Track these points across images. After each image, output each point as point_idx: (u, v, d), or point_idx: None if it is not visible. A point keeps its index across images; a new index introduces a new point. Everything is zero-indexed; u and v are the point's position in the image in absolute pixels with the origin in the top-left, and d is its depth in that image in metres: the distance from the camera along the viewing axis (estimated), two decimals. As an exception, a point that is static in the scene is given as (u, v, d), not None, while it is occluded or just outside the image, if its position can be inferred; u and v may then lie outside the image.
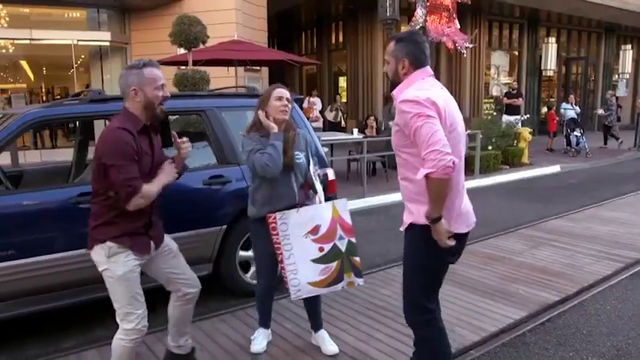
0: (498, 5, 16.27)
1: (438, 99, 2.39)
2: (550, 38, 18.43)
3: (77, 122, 5.24)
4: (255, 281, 4.27)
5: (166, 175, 2.69)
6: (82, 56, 13.45)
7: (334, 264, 3.02)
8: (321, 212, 3.03)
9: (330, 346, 3.26)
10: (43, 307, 3.44)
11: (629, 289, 4.45)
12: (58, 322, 3.87)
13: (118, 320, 2.59)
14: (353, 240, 3.07)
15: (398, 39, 2.57)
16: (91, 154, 4.95)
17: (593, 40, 21.28)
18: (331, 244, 3.01)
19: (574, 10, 17.53)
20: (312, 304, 3.29)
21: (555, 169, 11.79)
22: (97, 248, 2.56)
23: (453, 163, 2.21)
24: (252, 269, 4.32)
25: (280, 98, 3.07)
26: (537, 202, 8.35)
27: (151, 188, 2.56)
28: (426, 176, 2.24)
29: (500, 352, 3.34)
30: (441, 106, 2.38)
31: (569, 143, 13.98)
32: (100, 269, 2.59)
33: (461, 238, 2.56)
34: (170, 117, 4.92)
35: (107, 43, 12.84)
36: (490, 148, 11.16)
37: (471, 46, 11.36)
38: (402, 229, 2.63)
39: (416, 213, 2.50)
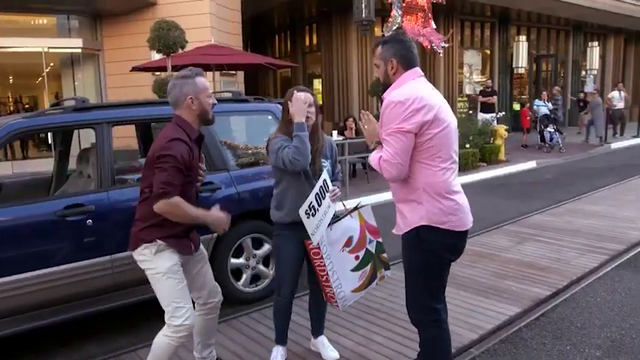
0: (470, 5, 16.48)
1: (430, 98, 2.42)
2: (521, 36, 18.75)
3: (56, 132, 5.08)
4: (247, 289, 4.26)
5: (212, 216, 2.69)
6: (52, 64, 13.14)
7: (368, 266, 3.11)
8: (350, 224, 3.05)
9: (331, 352, 3.22)
10: (35, 324, 3.32)
11: (615, 280, 4.53)
12: (52, 339, 3.75)
13: (166, 319, 2.62)
14: (380, 240, 3.17)
15: (383, 42, 2.62)
16: (72, 164, 4.85)
17: (561, 37, 21.71)
18: (364, 250, 3.08)
19: (544, 9, 17.87)
20: (318, 310, 3.25)
21: (531, 165, 11.99)
22: (143, 247, 2.63)
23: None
24: (245, 276, 4.27)
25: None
26: (517, 198, 8.47)
27: (186, 208, 2.57)
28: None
29: (499, 350, 3.36)
30: (433, 105, 2.41)
31: (542, 139, 14.23)
32: (144, 267, 2.67)
33: (462, 236, 2.56)
34: (154, 124, 4.83)
35: (79, 50, 12.55)
36: (468, 146, 11.28)
37: (446, 45, 11.47)
38: (394, 231, 2.63)
39: (409, 215, 2.51)
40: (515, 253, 5.27)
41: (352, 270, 3.03)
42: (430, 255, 2.51)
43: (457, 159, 2.56)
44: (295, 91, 2.94)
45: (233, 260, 4.18)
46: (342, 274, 2.98)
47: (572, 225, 6.31)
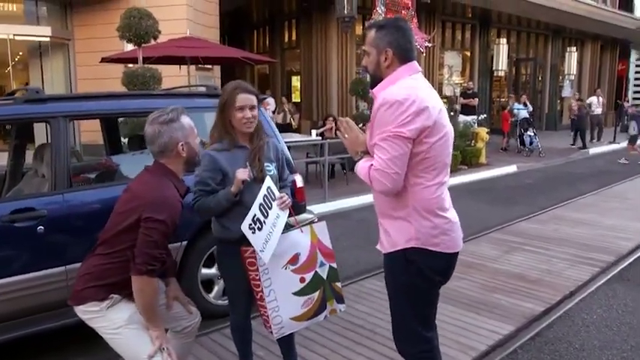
0: (452, 5, 16.32)
1: (430, 100, 2.09)
2: (501, 39, 18.68)
3: (10, 126, 4.64)
4: (219, 301, 3.92)
5: (155, 332, 2.19)
6: (20, 53, 12.51)
7: (316, 294, 2.65)
8: (299, 238, 2.62)
9: (310, 381, 2.90)
10: None
11: (609, 296, 4.31)
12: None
13: None
14: (334, 265, 2.72)
15: (379, 26, 2.22)
16: (29, 159, 4.41)
17: (540, 42, 21.77)
18: (312, 273, 2.63)
19: (524, 12, 17.83)
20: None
21: (512, 169, 11.86)
22: (91, 304, 2.19)
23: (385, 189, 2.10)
24: (216, 288, 3.92)
25: (242, 108, 2.57)
26: (500, 203, 8.28)
27: (157, 298, 2.25)
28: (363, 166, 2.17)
29: (494, 375, 3.09)
30: (433, 108, 2.08)
31: (522, 143, 14.14)
32: (95, 326, 2.22)
33: (454, 258, 2.27)
34: (119, 119, 4.44)
35: (47, 39, 11.93)
36: (449, 148, 11.06)
37: (430, 45, 11.25)
38: (378, 248, 2.32)
39: (394, 234, 2.19)
40: (503, 264, 5.02)
41: (295, 293, 2.61)
42: (419, 277, 2.19)
43: (450, 165, 2.24)
44: (237, 111, 2.58)
45: (204, 270, 3.83)
46: (281, 296, 2.57)
47: (559, 233, 6.11)
